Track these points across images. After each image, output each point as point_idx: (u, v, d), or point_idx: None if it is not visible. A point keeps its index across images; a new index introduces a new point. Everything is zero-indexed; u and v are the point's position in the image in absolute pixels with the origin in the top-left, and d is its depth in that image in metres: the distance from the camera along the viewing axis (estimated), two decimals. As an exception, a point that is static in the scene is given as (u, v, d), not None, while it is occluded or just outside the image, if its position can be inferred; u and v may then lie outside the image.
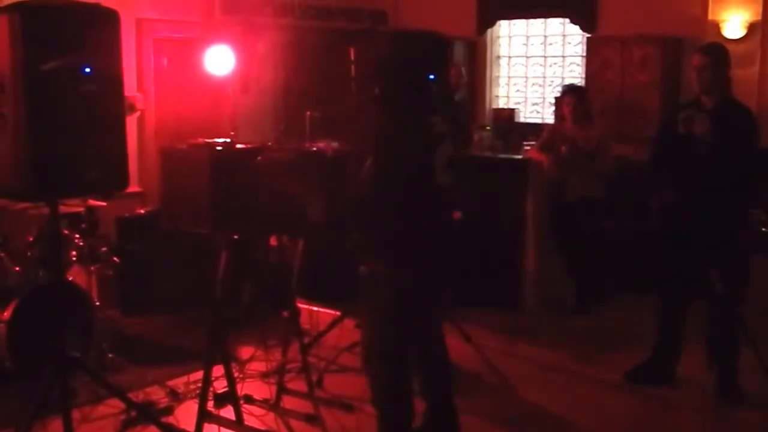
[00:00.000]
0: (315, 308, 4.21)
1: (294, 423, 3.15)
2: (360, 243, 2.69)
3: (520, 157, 4.97)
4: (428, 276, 2.62)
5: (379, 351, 2.70)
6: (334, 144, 4.87)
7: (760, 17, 5.14)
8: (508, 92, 6.75)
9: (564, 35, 6.45)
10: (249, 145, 3.18)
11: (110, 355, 3.69)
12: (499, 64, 6.75)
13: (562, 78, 6.39)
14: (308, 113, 5.03)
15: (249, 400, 3.27)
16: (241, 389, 3.30)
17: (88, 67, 2.50)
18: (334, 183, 3.08)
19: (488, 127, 5.86)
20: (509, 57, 6.73)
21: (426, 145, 2.54)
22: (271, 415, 3.19)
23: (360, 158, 2.72)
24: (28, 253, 3.68)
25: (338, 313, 3.92)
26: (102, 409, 3.18)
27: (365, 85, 2.66)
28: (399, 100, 2.58)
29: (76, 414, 2.88)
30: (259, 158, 2.89)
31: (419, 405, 2.84)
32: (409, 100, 2.57)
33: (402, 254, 2.58)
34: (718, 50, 3.39)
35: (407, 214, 2.55)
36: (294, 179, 2.84)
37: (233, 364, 3.19)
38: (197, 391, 3.11)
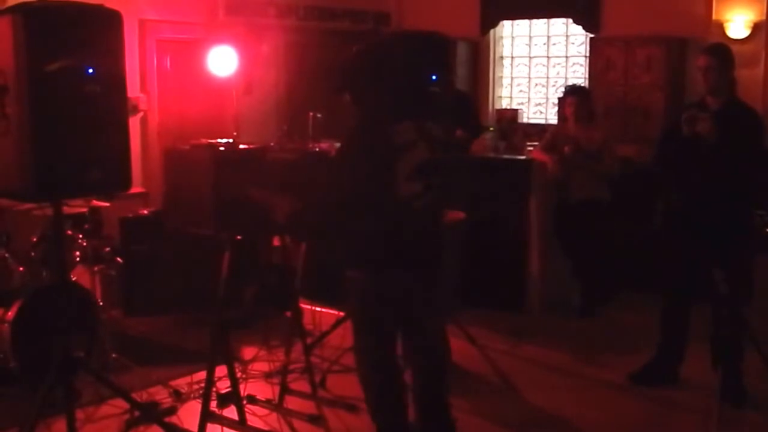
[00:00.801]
0: (318, 308, 4.21)
1: (297, 423, 3.15)
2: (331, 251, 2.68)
3: (523, 157, 4.96)
4: (396, 280, 2.55)
5: (364, 358, 2.69)
6: (337, 144, 4.87)
7: (764, 17, 5.13)
8: (511, 93, 6.74)
9: (567, 36, 6.44)
10: (252, 146, 3.18)
11: (114, 356, 3.69)
12: (502, 65, 6.75)
13: (566, 78, 6.38)
14: (311, 114, 5.04)
15: (252, 400, 3.27)
16: (244, 389, 3.30)
17: (91, 68, 2.50)
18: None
19: (491, 128, 5.86)
20: (512, 57, 6.73)
21: (383, 157, 2.45)
22: (274, 415, 3.19)
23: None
24: (32, 254, 3.69)
25: (341, 314, 3.92)
26: (105, 409, 3.19)
27: (336, 85, 2.57)
28: (370, 104, 2.51)
29: (79, 414, 2.88)
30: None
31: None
32: (379, 105, 2.49)
33: (363, 260, 2.54)
34: (723, 51, 3.38)
35: (361, 225, 2.50)
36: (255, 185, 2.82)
37: (236, 365, 3.19)
38: (200, 392, 3.11)
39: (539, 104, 6.63)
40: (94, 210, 3.78)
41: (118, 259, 3.95)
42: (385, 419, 2.70)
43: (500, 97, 6.75)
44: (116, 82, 2.61)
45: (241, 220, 2.96)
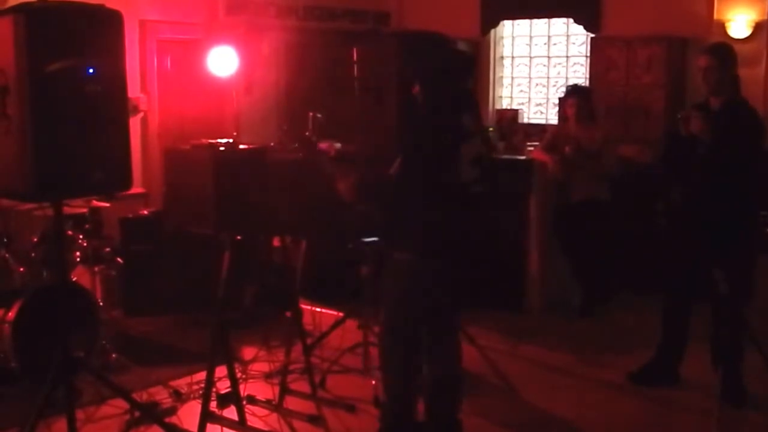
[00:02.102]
0: (318, 309, 4.21)
1: (297, 424, 3.15)
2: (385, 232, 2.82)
3: (523, 157, 4.96)
4: (448, 268, 2.72)
5: (390, 327, 2.80)
6: (337, 145, 4.88)
7: (766, 17, 5.12)
8: (511, 93, 6.73)
9: (568, 35, 6.43)
10: (252, 146, 3.18)
11: (114, 356, 3.69)
12: (502, 65, 6.74)
13: (566, 78, 6.37)
14: (311, 114, 5.04)
15: (252, 400, 3.27)
16: (244, 390, 3.30)
17: (92, 68, 2.50)
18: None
19: (491, 128, 5.85)
20: (513, 57, 6.72)
21: (453, 142, 2.70)
22: (274, 415, 3.19)
23: (378, 158, 2.86)
24: (33, 254, 3.70)
25: (341, 314, 3.92)
26: (106, 410, 3.19)
27: (402, 87, 2.88)
28: (436, 102, 2.74)
29: (80, 414, 2.88)
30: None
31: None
32: (444, 102, 2.74)
33: (424, 244, 2.68)
34: (724, 50, 3.37)
35: (430, 207, 2.67)
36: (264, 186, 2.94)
37: (236, 365, 3.19)
38: (200, 392, 3.11)
39: (540, 104, 6.63)
40: (95, 210, 3.78)
41: (119, 259, 3.96)
42: (393, 383, 2.81)
43: (500, 97, 6.74)
44: (117, 82, 2.62)
45: (241, 220, 2.97)
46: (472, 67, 3.12)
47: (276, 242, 4.10)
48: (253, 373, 3.52)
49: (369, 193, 2.83)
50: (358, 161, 3.02)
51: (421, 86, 2.75)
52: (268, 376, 3.46)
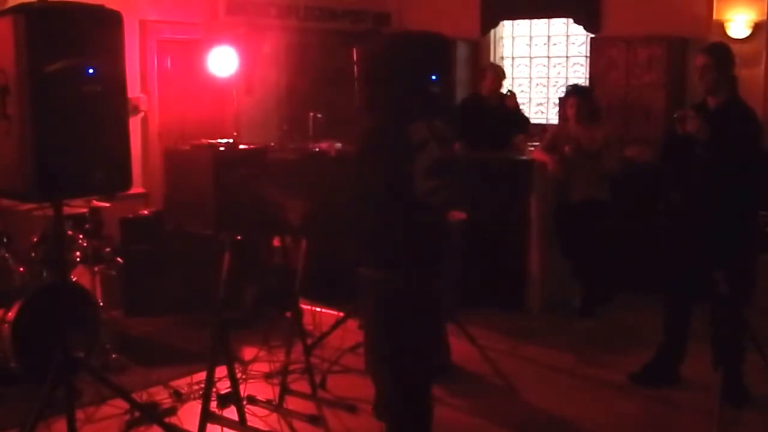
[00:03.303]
0: (318, 309, 4.20)
1: (297, 424, 3.15)
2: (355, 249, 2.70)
3: (523, 157, 4.96)
4: (414, 279, 2.57)
5: (385, 356, 2.69)
6: (337, 145, 4.88)
7: (765, 17, 5.12)
8: (511, 93, 6.73)
9: (568, 36, 6.44)
10: (252, 146, 3.18)
11: (114, 356, 3.69)
12: (502, 65, 6.75)
13: (566, 79, 6.38)
14: (311, 114, 5.04)
15: (252, 400, 3.27)
16: (244, 390, 3.30)
17: (92, 68, 2.50)
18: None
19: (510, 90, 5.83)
20: (513, 58, 6.73)
21: (403, 155, 2.49)
22: (274, 415, 3.19)
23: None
24: (33, 254, 3.69)
25: (341, 314, 3.92)
26: (106, 410, 3.19)
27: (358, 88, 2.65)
28: (383, 105, 2.56)
29: (80, 414, 2.88)
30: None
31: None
32: (392, 105, 2.54)
33: (385, 258, 2.54)
34: (720, 50, 3.37)
35: (385, 221, 2.52)
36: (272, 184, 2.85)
37: (236, 365, 3.19)
38: (200, 392, 3.11)
39: (540, 104, 6.63)
40: (95, 210, 3.78)
41: (119, 259, 3.96)
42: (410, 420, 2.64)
43: (500, 97, 6.74)
44: (117, 82, 2.62)
45: (241, 220, 2.97)
46: (443, 56, 2.81)
47: (276, 242, 4.10)
48: (253, 373, 3.52)
49: (316, 224, 2.69)
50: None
51: (367, 91, 2.56)
52: (268, 377, 3.46)
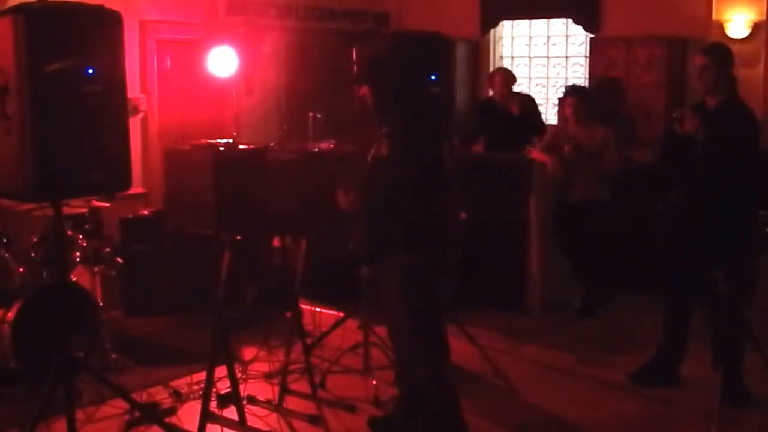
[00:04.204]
0: (318, 309, 4.21)
1: (297, 424, 3.15)
2: (361, 242, 2.74)
3: (524, 158, 4.95)
4: (442, 259, 2.73)
5: (412, 329, 2.72)
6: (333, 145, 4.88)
7: (764, 17, 5.12)
8: (511, 93, 6.73)
9: (567, 36, 6.44)
10: (252, 146, 3.19)
11: (114, 356, 3.69)
12: (502, 65, 6.75)
13: (566, 79, 6.37)
14: (311, 114, 5.04)
15: (252, 400, 3.27)
16: (244, 390, 3.30)
17: (91, 68, 2.50)
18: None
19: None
20: (512, 58, 6.73)
21: (434, 136, 2.65)
22: (274, 415, 3.19)
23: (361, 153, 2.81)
24: (32, 254, 3.69)
25: (341, 314, 3.92)
26: (106, 410, 3.19)
27: (361, 80, 2.75)
28: (401, 97, 2.64)
29: (80, 414, 2.88)
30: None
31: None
32: (411, 97, 2.65)
33: (422, 236, 2.67)
34: (720, 50, 3.38)
35: (425, 199, 2.65)
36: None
37: (236, 365, 3.19)
38: (200, 392, 3.11)
39: (540, 104, 6.62)
40: (95, 210, 3.78)
41: (119, 259, 3.95)
42: (444, 377, 2.78)
43: (500, 97, 6.74)
44: (116, 82, 2.62)
45: (241, 220, 2.97)
46: (442, 56, 2.91)
47: (276, 242, 4.10)
48: (253, 373, 3.52)
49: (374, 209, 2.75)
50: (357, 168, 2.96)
51: (384, 83, 2.64)
52: (268, 376, 3.45)
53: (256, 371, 3.52)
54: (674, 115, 3.28)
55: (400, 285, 2.69)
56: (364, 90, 2.74)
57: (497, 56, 6.73)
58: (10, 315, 3.38)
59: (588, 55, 5.98)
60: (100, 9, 2.58)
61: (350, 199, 2.77)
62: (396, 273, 2.69)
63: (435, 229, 2.68)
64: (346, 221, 2.94)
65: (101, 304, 3.75)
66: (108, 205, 3.85)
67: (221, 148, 2.98)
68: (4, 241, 3.68)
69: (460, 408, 2.79)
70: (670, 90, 5.40)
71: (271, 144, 4.86)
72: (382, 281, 2.78)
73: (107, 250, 3.83)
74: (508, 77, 5.25)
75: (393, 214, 2.67)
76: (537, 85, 6.64)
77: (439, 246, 2.69)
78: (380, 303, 2.84)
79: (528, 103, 5.42)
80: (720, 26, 5.20)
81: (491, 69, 6.67)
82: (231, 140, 3.12)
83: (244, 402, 3.12)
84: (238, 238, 2.96)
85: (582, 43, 6.27)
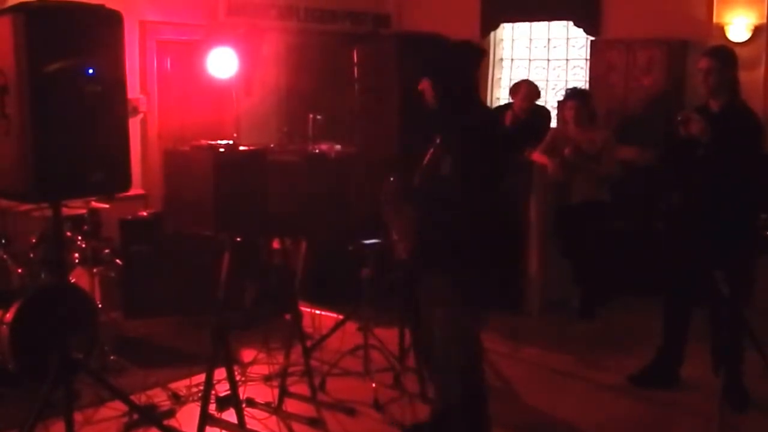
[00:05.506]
0: (318, 311, 4.20)
1: (296, 426, 3.14)
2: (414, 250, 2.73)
3: (524, 159, 4.95)
4: (491, 278, 2.79)
5: (466, 334, 2.78)
6: (337, 146, 4.88)
7: (765, 20, 5.12)
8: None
9: (568, 38, 6.43)
10: (252, 148, 3.18)
11: (112, 358, 3.68)
12: (502, 67, 6.74)
13: (566, 81, 6.37)
14: (311, 115, 5.03)
15: (251, 403, 3.26)
16: (244, 392, 3.29)
17: (91, 68, 2.50)
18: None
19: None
20: (512, 60, 6.72)
21: (496, 159, 2.71)
22: (274, 418, 3.18)
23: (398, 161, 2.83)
24: (31, 255, 3.69)
25: (341, 317, 3.91)
26: (104, 412, 3.18)
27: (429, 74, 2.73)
28: (469, 106, 2.71)
29: (78, 416, 2.87)
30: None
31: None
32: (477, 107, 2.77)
33: (486, 255, 2.70)
34: (724, 53, 3.38)
35: (490, 217, 2.69)
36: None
37: (235, 367, 3.18)
38: (199, 394, 3.10)
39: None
40: (94, 211, 3.77)
41: (118, 260, 3.95)
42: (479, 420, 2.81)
43: (498, 98, 6.74)
44: (116, 82, 2.61)
45: (240, 222, 2.96)
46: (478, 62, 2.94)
47: (276, 244, 4.09)
48: (252, 375, 3.51)
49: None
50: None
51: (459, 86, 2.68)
52: (267, 379, 3.44)
53: (256, 373, 3.52)
54: (679, 117, 3.27)
55: (450, 301, 2.72)
56: (425, 85, 2.71)
57: (497, 58, 6.73)
58: (9, 316, 3.37)
59: (588, 57, 5.98)
60: (100, 9, 2.58)
61: (406, 246, 2.72)
62: (447, 287, 2.71)
63: (491, 249, 2.69)
64: (346, 222, 2.92)
65: (100, 305, 3.75)
66: (107, 206, 3.84)
67: (221, 150, 2.97)
68: (3, 241, 3.68)
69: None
70: (670, 93, 5.40)
71: (272, 145, 4.85)
72: (431, 293, 2.78)
73: (106, 251, 3.82)
74: (533, 92, 5.24)
75: (452, 231, 2.66)
76: (537, 87, 6.64)
77: (495, 265, 2.75)
78: (425, 313, 2.86)
79: (544, 114, 5.43)
80: (720, 29, 5.20)
81: (491, 71, 6.69)
82: (231, 141, 3.11)
83: (244, 404, 3.11)
84: (238, 239, 2.96)
85: (582, 46, 6.27)
